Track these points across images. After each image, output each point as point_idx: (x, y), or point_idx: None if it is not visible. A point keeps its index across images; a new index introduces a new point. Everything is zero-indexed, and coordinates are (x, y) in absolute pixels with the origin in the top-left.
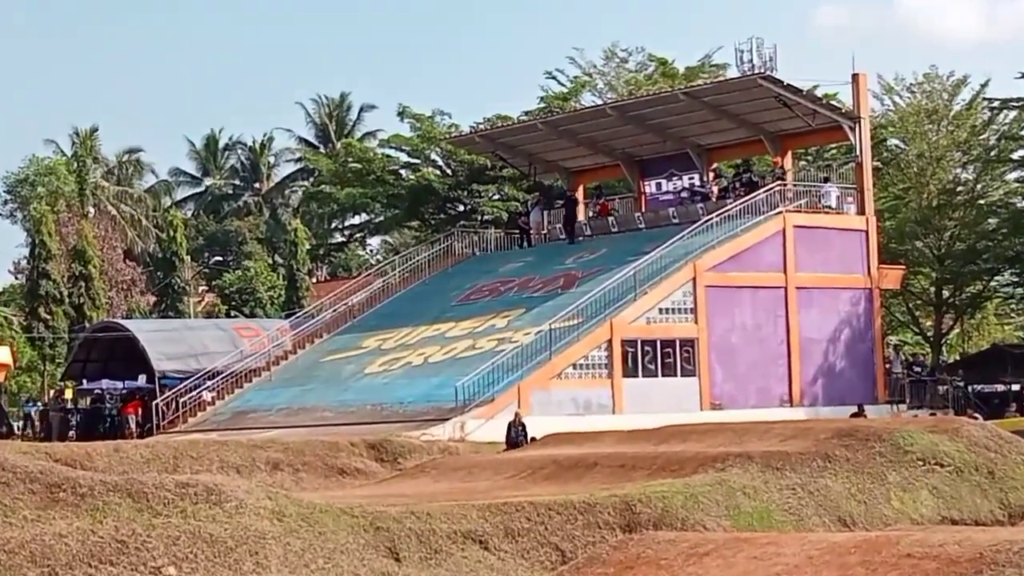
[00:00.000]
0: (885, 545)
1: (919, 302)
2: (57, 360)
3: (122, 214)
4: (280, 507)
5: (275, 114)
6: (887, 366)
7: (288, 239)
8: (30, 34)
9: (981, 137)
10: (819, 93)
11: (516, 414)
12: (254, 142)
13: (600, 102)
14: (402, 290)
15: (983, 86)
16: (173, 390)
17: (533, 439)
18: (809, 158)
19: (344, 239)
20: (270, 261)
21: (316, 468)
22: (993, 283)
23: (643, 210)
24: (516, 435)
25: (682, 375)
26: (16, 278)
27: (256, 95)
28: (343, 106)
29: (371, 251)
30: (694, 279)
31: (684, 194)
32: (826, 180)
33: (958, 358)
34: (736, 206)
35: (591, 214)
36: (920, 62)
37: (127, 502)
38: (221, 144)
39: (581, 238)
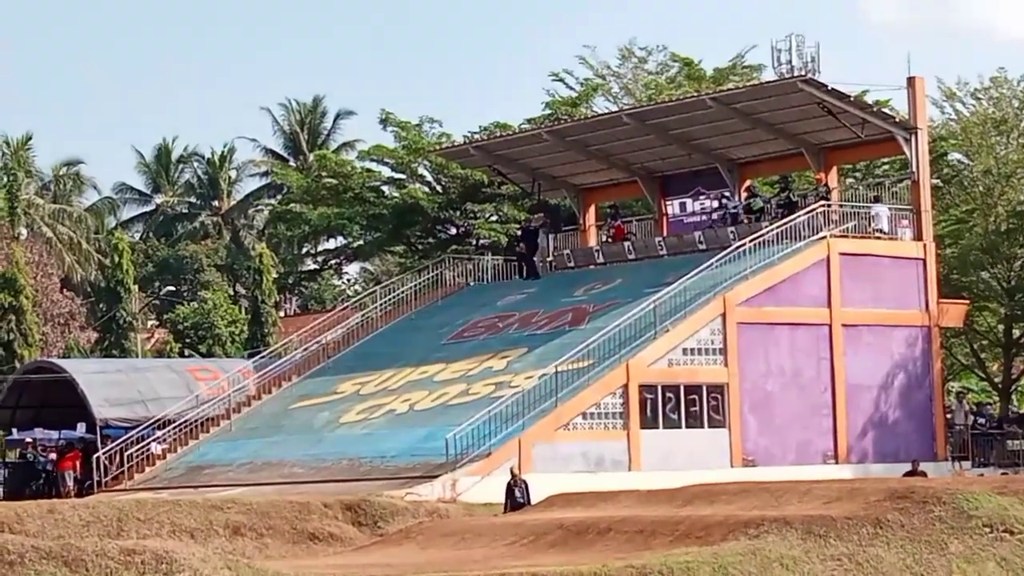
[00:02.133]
0: None
1: (985, 342)
2: None
3: (59, 236)
4: None
5: (237, 121)
6: (948, 417)
7: (252, 266)
8: None
9: None
10: (869, 99)
11: (512, 472)
12: (212, 154)
13: (615, 108)
14: (384, 326)
15: None
16: (117, 441)
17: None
18: (857, 175)
19: (317, 266)
20: (231, 292)
21: (283, 533)
22: None
23: (665, 234)
24: (520, 495)
25: (709, 426)
26: None
27: (215, 99)
28: (316, 112)
29: (348, 281)
30: (724, 315)
31: (712, 216)
32: (876, 199)
33: None
34: (773, 230)
35: (605, 238)
36: (987, 64)
37: (63, 572)
38: (174, 156)
39: (542, 277)
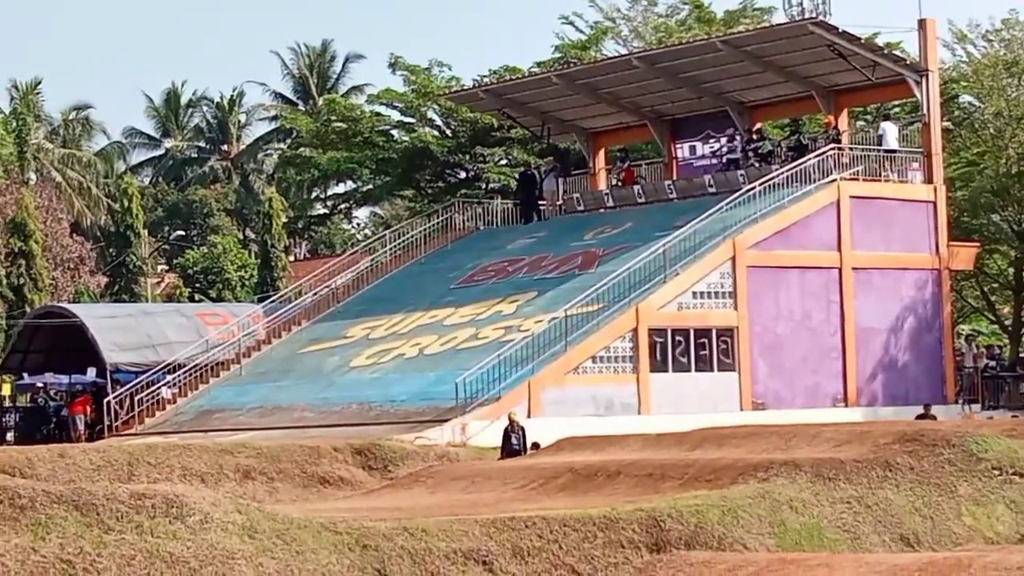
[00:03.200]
0: (955, 568)
1: (996, 285)
2: None
3: (68, 181)
4: (252, 522)
5: (246, 65)
6: (958, 360)
7: (261, 211)
8: None
9: None
10: (880, 42)
11: (511, 418)
12: (222, 98)
13: (625, 52)
14: (394, 270)
15: None
16: (128, 386)
17: (536, 445)
18: (868, 117)
19: (327, 211)
20: (240, 236)
21: (293, 477)
22: None
23: (674, 177)
24: (517, 442)
25: (719, 370)
26: None
27: (225, 43)
28: (325, 56)
29: (358, 225)
30: (733, 258)
31: (722, 159)
32: (886, 117)
33: None
34: (783, 173)
35: (614, 182)
36: (999, 6)
37: (74, 516)
38: (183, 100)
39: (542, 221)
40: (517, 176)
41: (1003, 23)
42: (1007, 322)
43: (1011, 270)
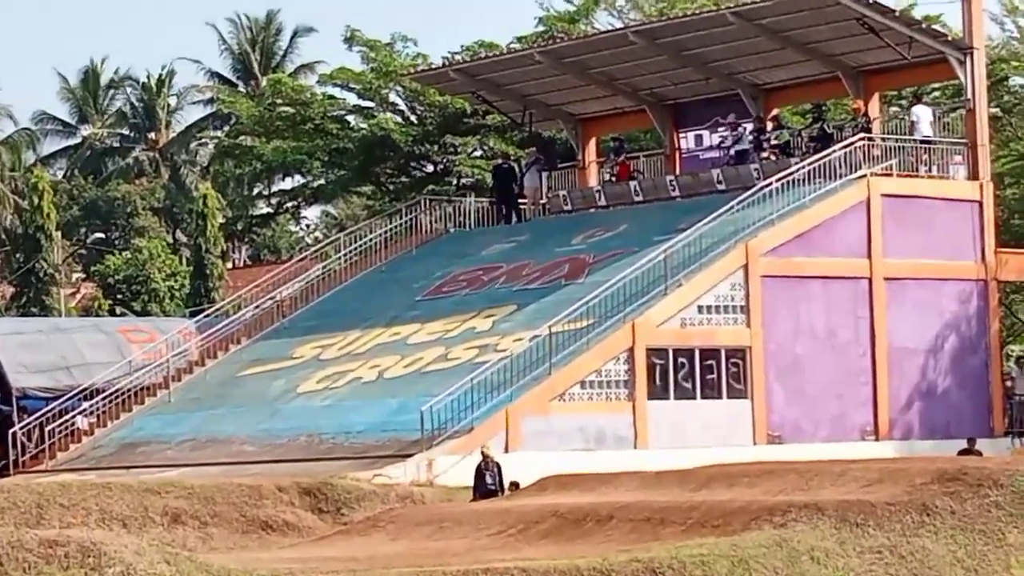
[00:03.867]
0: None
1: None
2: None
3: None
4: (181, 574)
5: (178, 40)
6: (1007, 386)
7: (195, 209)
8: None
9: None
10: (917, 14)
11: (484, 452)
12: (148, 78)
13: (620, 25)
14: (349, 280)
15: None
16: (37, 414)
17: (515, 485)
18: (903, 103)
19: (271, 210)
20: (170, 239)
21: (231, 521)
22: None
23: (678, 172)
24: (492, 481)
25: (729, 397)
26: None
27: (152, 14)
28: (270, 29)
29: (307, 227)
30: (746, 266)
31: (733, 151)
32: (918, 99)
33: None
34: (804, 167)
35: (607, 177)
36: None
37: None
38: (103, 80)
39: (522, 222)
40: (492, 170)
41: None
42: None
43: None
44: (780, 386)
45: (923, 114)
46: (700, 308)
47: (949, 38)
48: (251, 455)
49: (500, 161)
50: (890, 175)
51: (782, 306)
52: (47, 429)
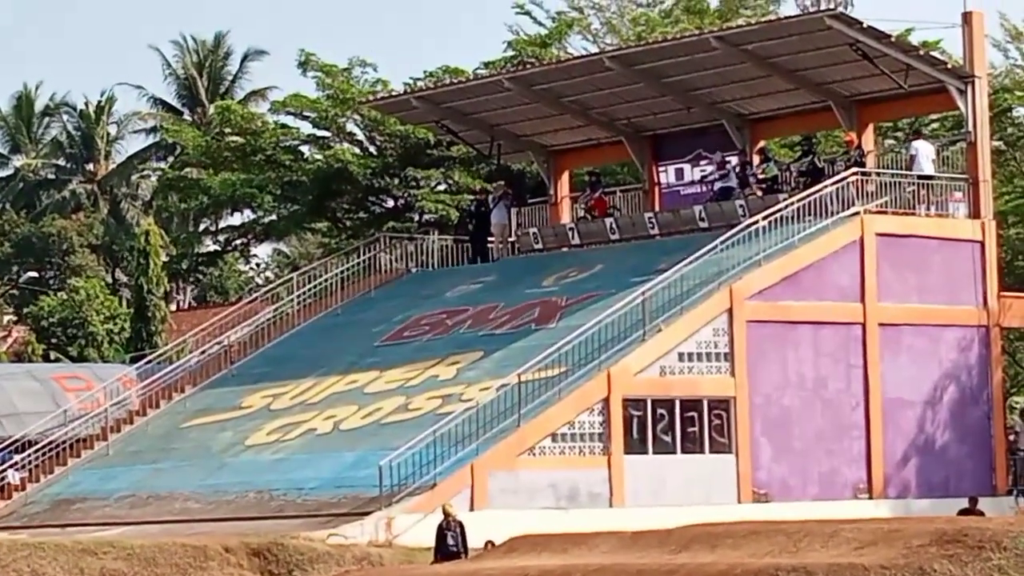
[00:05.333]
0: None
1: None
2: None
3: None
4: None
5: (118, 63)
6: (1010, 440)
7: (136, 247)
8: None
9: None
10: (915, 40)
11: (445, 511)
12: (87, 104)
13: (595, 50)
14: (303, 323)
15: None
16: None
17: (490, 544)
18: (899, 135)
19: (218, 247)
20: (109, 279)
21: None
22: None
23: (657, 208)
24: (454, 542)
25: (712, 451)
26: None
27: (91, 36)
28: (218, 52)
29: (258, 266)
30: (730, 310)
31: (717, 185)
32: (917, 134)
33: None
34: (793, 204)
35: (582, 213)
36: None
37: None
38: (38, 107)
39: (489, 262)
40: (471, 207)
41: None
42: None
43: None
44: (767, 440)
45: (923, 149)
46: (681, 356)
47: (949, 66)
48: (196, 513)
49: (476, 197)
50: (885, 212)
51: (769, 354)
52: None
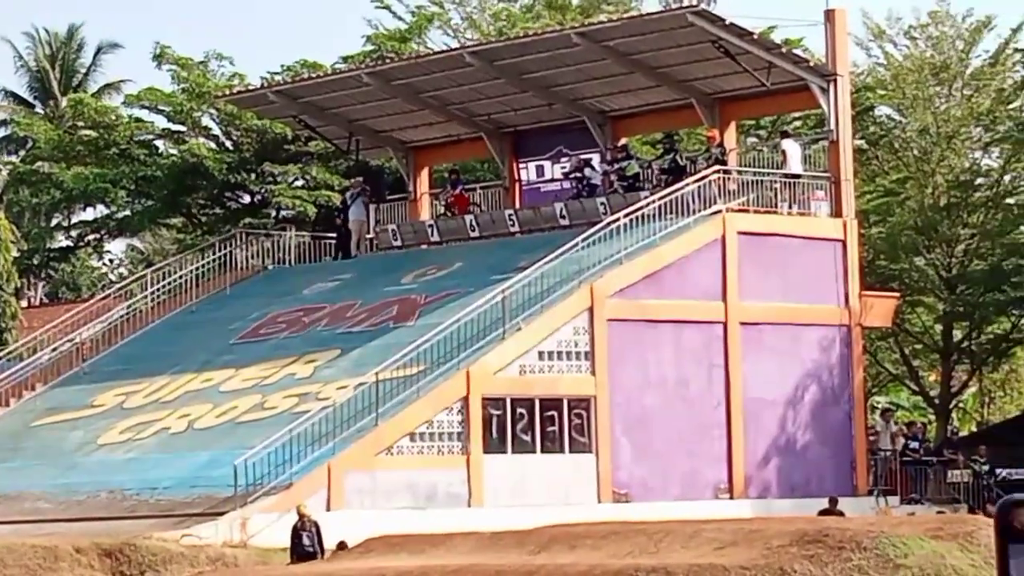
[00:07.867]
0: None
1: (920, 346)
2: None
3: None
4: None
5: None
6: (871, 440)
7: None
8: None
9: (1012, 106)
10: (777, 38)
11: (300, 511)
12: None
13: (455, 45)
14: (156, 320)
15: (1015, 31)
16: None
17: (343, 545)
18: (761, 132)
19: (71, 243)
20: None
21: None
22: None
23: (517, 206)
24: (310, 543)
25: (572, 451)
26: None
27: None
28: (71, 44)
29: (111, 262)
30: (591, 309)
31: (577, 183)
32: (785, 135)
33: (975, 429)
34: (654, 202)
35: (441, 210)
36: None
37: None
38: None
39: (347, 259)
40: (343, 197)
41: (930, 16)
42: (932, 393)
43: (938, 327)
44: (627, 440)
45: (793, 150)
46: (541, 354)
47: (811, 64)
48: (46, 513)
49: (354, 187)
50: (747, 211)
51: (630, 353)
52: None
